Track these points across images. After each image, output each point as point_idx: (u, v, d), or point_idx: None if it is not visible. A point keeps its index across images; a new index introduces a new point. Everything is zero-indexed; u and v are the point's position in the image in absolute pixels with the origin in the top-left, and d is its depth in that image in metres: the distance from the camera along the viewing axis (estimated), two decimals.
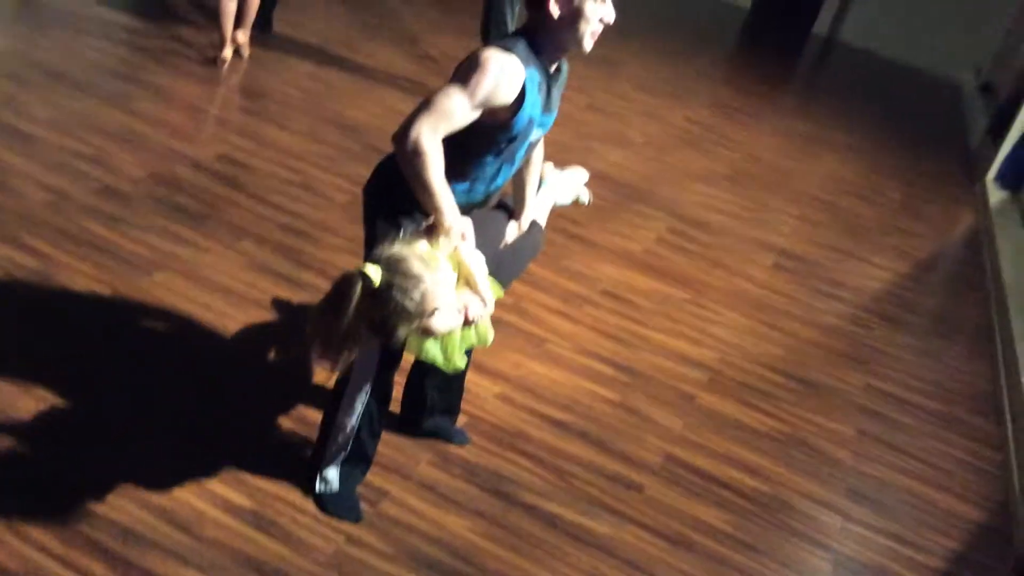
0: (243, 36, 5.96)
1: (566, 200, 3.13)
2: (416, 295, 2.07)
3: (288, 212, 4.33)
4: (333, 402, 2.66)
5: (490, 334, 2.49)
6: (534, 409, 3.44)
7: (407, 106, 6.13)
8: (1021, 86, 8.64)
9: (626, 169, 6.22)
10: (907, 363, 4.69)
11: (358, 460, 2.74)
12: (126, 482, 2.61)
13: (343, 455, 2.70)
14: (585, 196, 3.17)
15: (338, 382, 2.65)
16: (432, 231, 2.31)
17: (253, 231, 4.09)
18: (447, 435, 3.11)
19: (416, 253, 2.14)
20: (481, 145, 2.39)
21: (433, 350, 2.37)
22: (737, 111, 8.80)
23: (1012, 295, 5.48)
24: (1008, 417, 4.27)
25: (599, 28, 2.38)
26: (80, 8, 6.10)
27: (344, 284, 2.06)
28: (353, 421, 2.64)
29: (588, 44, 2.40)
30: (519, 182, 2.81)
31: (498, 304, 3.93)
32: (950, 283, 6.29)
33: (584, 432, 3.40)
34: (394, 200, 2.43)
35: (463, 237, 2.30)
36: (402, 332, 2.14)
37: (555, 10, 2.31)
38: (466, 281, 2.30)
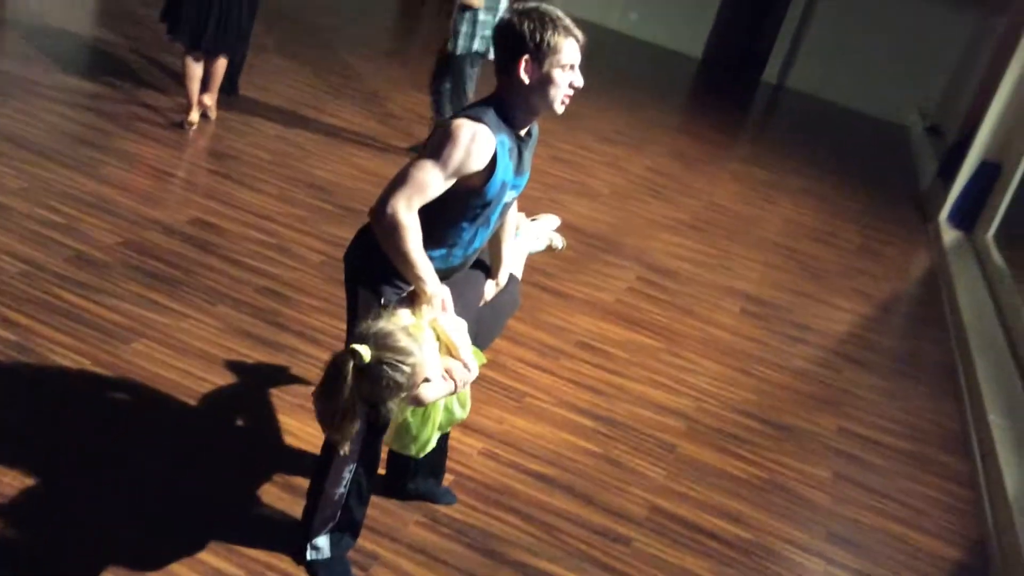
0: (210, 99, 5.99)
1: (540, 246, 3.19)
2: (407, 368, 2.13)
3: (263, 274, 4.34)
4: (320, 472, 2.66)
5: (467, 407, 2.54)
6: (519, 464, 3.46)
7: (375, 164, 6.20)
8: (967, 128, 8.94)
9: (593, 220, 6.32)
10: (875, 404, 4.78)
11: (347, 527, 2.73)
12: (115, 558, 2.58)
13: (332, 524, 2.69)
14: (559, 241, 3.23)
15: (324, 451, 2.66)
16: (413, 300, 2.35)
17: (229, 295, 4.09)
18: (433, 496, 3.11)
19: (401, 327, 2.20)
20: (456, 212, 2.44)
21: (410, 434, 2.43)
22: (695, 160, 8.99)
23: (972, 333, 5.62)
24: (978, 454, 4.37)
25: (569, 92, 2.46)
26: (42, 76, 6.10)
27: (336, 365, 2.11)
28: (341, 490, 2.64)
29: (559, 108, 2.47)
30: (495, 239, 2.86)
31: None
32: (910, 323, 6.44)
33: (569, 486, 3.42)
34: (374, 267, 2.47)
35: (443, 306, 2.35)
36: (392, 404, 2.17)
37: (525, 77, 2.38)
38: (447, 349, 2.34)
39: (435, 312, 2.34)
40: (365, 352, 2.09)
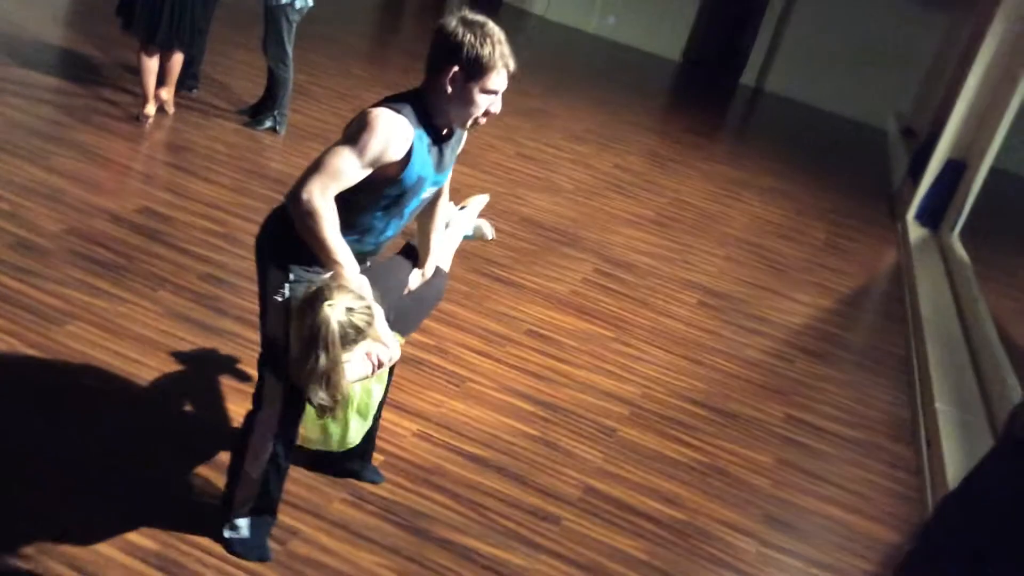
0: (167, 93, 5.98)
1: (470, 232, 3.19)
2: (365, 314, 2.28)
3: (208, 262, 4.32)
4: (238, 451, 2.65)
5: (383, 381, 2.55)
6: (452, 446, 3.45)
7: None
8: (935, 128, 8.97)
9: (553, 214, 6.32)
10: (828, 394, 4.79)
11: (267, 508, 2.71)
12: (32, 531, 2.56)
13: (252, 503, 2.68)
14: (488, 231, 3.24)
15: (242, 432, 2.65)
16: (336, 281, 2.35)
17: (171, 280, 4.08)
18: (359, 475, 3.10)
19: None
20: (370, 201, 2.45)
21: (328, 430, 2.46)
22: (667, 159, 9.00)
23: (928, 325, 5.64)
24: (924, 442, 4.37)
25: (483, 118, 2.47)
26: (2, 71, 6.08)
27: (318, 321, 2.22)
28: (260, 469, 2.63)
29: (468, 127, 2.51)
30: (423, 230, 2.87)
31: (419, 344, 3.97)
32: (872, 318, 6.45)
33: (502, 467, 3.41)
34: (284, 248, 2.47)
35: (360, 288, 2.36)
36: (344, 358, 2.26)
37: (448, 86, 2.39)
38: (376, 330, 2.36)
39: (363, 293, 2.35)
40: (339, 308, 2.24)
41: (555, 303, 4.94)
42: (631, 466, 3.64)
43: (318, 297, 2.25)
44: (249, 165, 5.68)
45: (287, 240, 2.43)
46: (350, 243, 2.45)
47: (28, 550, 2.50)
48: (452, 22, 2.36)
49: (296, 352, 2.30)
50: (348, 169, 2.31)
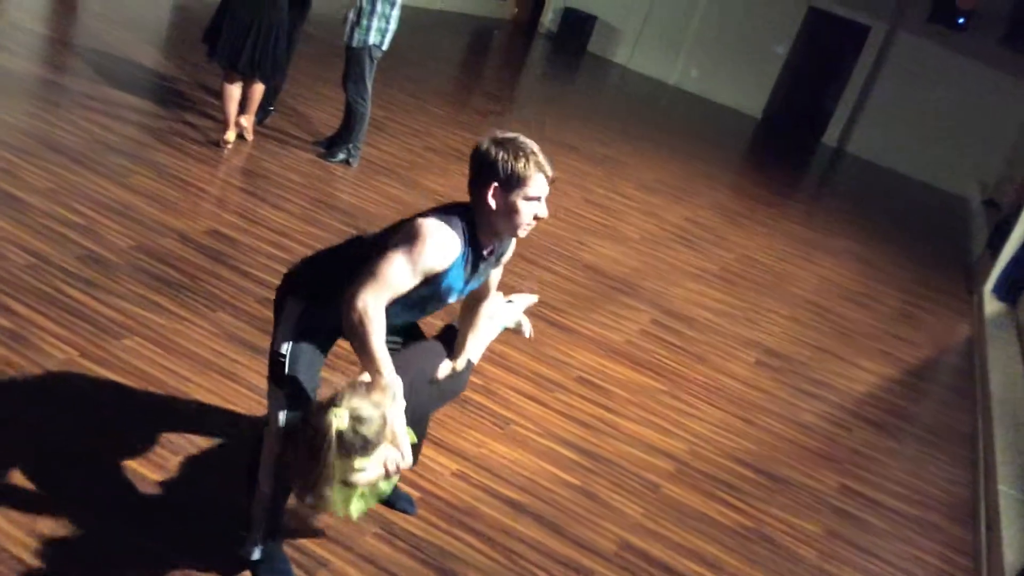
0: (247, 120, 6.14)
1: (510, 325, 3.20)
2: (375, 426, 2.32)
3: (268, 286, 4.39)
4: (252, 467, 2.69)
5: (391, 483, 2.57)
6: (490, 488, 3.41)
7: (401, 192, 6.28)
8: (1020, 201, 8.72)
9: (616, 262, 6.28)
10: (886, 466, 4.63)
11: (277, 526, 2.73)
12: (67, 549, 2.60)
13: (265, 523, 2.68)
14: (527, 329, 3.23)
15: (252, 451, 2.71)
16: (370, 387, 2.40)
17: (230, 302, 4.15)
18: (391, 503, 3.09)
19: (366, 396, 2.35)
20: (398, 299, 2.47)
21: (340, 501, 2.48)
22: (738, 214, 8.91)
23: (998, 404, 5.43)
24: (983, 524, 4.19)
25: (532, 222, 2.52)
26: (91, 90, 6.32)
27: (318, 429, 2.28)
28: (270, 483, 2.64)
29: (521, 234, 2.55)
30: (464, 323, 2.92)
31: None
32: (939, 391, 6.24)
33: (539, 514, 3.36)
34: (310, 291, 2.58)
35: (394, 397, 2.41)
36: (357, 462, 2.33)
37: (492, 202, 2.46)
38: (389, 436, 2.40)
39: (387, 400, 2.39)
40: (343, 416, 2.27)
41: (609, 352, 4.89)
42: (672, 524, 3.56)
43: (329, 402, 2.32)
44: (319, 195, 5.78)
45: (316, 289, 2.57)
46: None
47: (69, 567, 2.54)
48: (485, 143, 2.47)
49: (294, 454, 2.38)
50: (402, 279, 2.40)
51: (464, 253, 2.48)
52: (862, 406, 5.31)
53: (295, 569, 2.72)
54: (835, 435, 4.80)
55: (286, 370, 2.51)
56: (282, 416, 2.52)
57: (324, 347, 2.63)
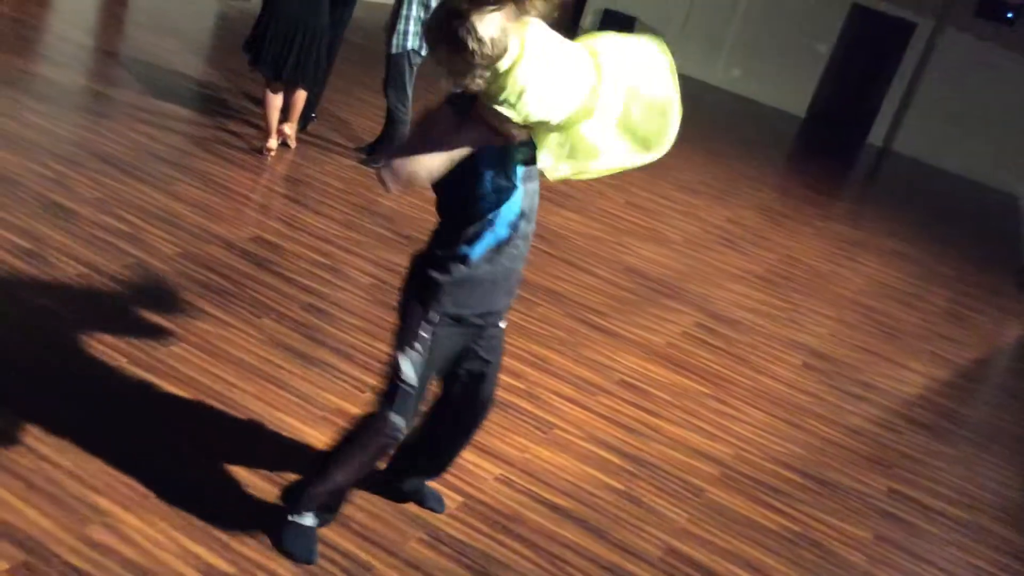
0: (290, 128, 6.20)
1: None
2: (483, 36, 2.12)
3: (312, 292, 4.43)
4: (333, 455, 2.72)
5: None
6: (534, 493, 3.40)
7: None
8: None
9: (658, 264, 6.24)
10: (935, 469, 4.54)
11: (335, 506, 2.82)
12: (111, 543, 2.64)
13: (323, 499, 2.75)
14: None
15: (342, 439, 2.73)
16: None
17: (275, 309, 4.19)
18: (423, 498, 3.10)
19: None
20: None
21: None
22: (782, 215, 8.82)
23: None
24: None
25: None
26: (137, 100, 6.43)
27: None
28: (344, 478, 2.70)
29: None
30: None
31: (508, 388, 3.97)
32: (990, 393, 6.11)
33: (583, 519, 3.34)
34: (425, 291, 2.56)
35: None
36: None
37: None
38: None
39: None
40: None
41: (651, 355, 4.86)
42: (717, 529, 3.52)
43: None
44: (361, 201, 5.82)
45: (430, 283, 2.53)
46: (488, 243, 2.50)
47: (107, 562, 2.58)
48: None
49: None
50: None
51: None
52: (911, 408, 5.22)
53: (339, 574, 2.74)
54: (883, 438, 4.72)
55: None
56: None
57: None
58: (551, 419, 3.94)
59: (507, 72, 2.18)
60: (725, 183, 9.37)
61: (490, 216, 2.47)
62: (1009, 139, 14.13)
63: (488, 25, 2.11)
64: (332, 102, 7.60)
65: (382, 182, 2.41)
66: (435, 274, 2.52)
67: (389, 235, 5.34)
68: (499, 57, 2.14)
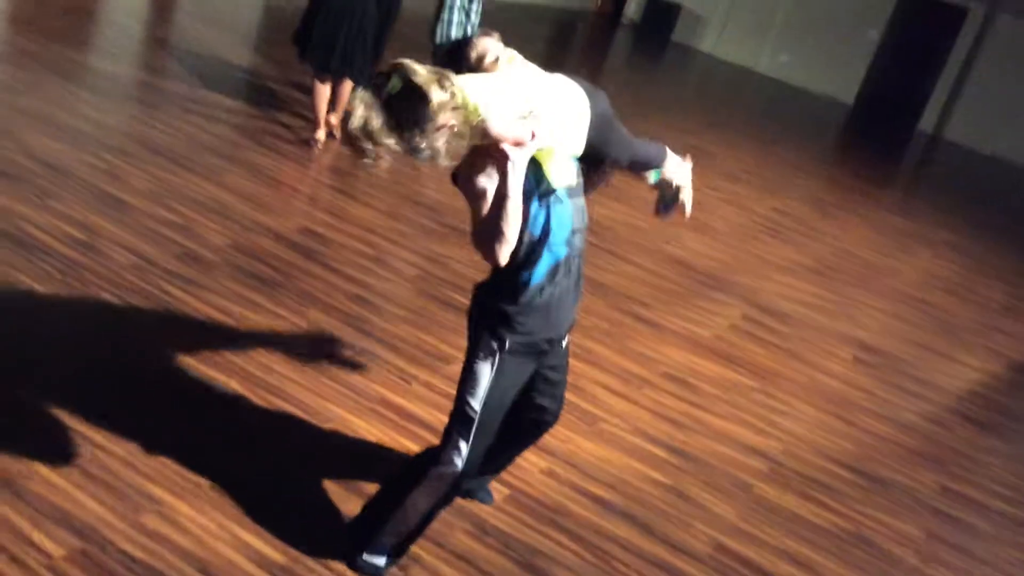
0: (336, 119, 6.24)
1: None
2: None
3: (358, 283, 4.45)
4: (407, 480, 2.66)
5: None
6: (579, 486, 3.40)
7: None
8: None
9: (704, 256, 6.19)
10: (990, 467, 4.46)
11: (408, 545, 2.75)
12: (166, 532, 2.68)
13: (400, 538, 2.68)
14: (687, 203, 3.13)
15: (417, 461, 2.70)
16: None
17: (322, 300, 4.22)
18: (472, 492, 3.10)
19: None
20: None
21: None
22: (831, 205, 8.69)
23: None
24: None
25: None
26: (188, 91, 6.51)
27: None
28: (427, 507, 2.65)
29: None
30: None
31: None
32: None
33: (629, 513, 3.33)
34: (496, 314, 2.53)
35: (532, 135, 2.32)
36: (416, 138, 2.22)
37: None
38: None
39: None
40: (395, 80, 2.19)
41: (697, 347, 4.82)
42: (767, 526, 3.49)
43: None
44: (406, 191, 5.84)
45: (496, 313, 2.51)
46: (545, 266, 2.49)
47: (160, 549, 2.62)
48: None
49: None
50: None
51: None
52: (965, 404, 5.12)
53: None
54: (936, 434, 4.64)
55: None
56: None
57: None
58: (596, 411, 3.93)
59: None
60: (772, 172, 9.25)
61: (545, 236, 2.46)
62: None
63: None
64: None
65: (496, 264, 2.42)
66: (500, 303, 2.51)
67: (433, 225, 5.35)
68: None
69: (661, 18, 16.46)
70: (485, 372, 2.54)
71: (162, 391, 3.33)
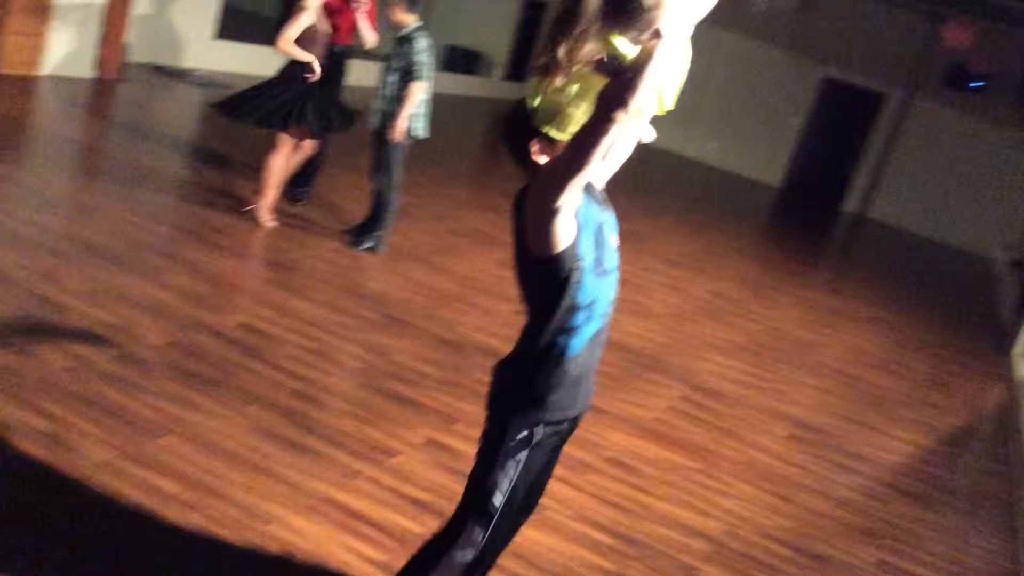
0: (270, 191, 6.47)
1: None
2: None
3: (299, 378, 4.46)
4: (448, 537, 2.51)
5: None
6: None
7: (426, 277, 6.38)
8: None
9: (642, 339, 6.32)
10: (924, 539, 4.57)
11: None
12: None
13: None
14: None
15: (454, 520, 2.53)
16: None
17: (263, 396, 4.22)
18: None
19: None
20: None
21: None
22: (763, 285, 8.94)
23: None
24: None
25: None
26: (127, 192, 6.53)
27: None
28: (468, 557, 2.50)
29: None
30: None
31: None
32: (976, 458, 6.17)
33: None
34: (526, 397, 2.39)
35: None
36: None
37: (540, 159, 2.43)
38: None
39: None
40: None
41: (639, 430, 4.90)
42: None
43: None
44: (348, 284, 5.89)
45: (532, 389, 2.37)
46: (589, 330, 2.38)
47: None
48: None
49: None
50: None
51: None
52: (898, 477, 5.26)
53: None
54: (872, 508, 4.75)
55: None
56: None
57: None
58: (541, 499, 3.95)
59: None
60: (706, 255, 9.51)
61: (593, 303, 2.35)
62: (982, 204, 14.43)
63: None
64: (319, 184, 7.71)
65: (553, 203, 2.29)
66: (536, 377, 2.36)
67: (376, 317, 5.40)
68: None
69: None
70: (512, 465, 2.40)
71: (99, 499, 3.28)
